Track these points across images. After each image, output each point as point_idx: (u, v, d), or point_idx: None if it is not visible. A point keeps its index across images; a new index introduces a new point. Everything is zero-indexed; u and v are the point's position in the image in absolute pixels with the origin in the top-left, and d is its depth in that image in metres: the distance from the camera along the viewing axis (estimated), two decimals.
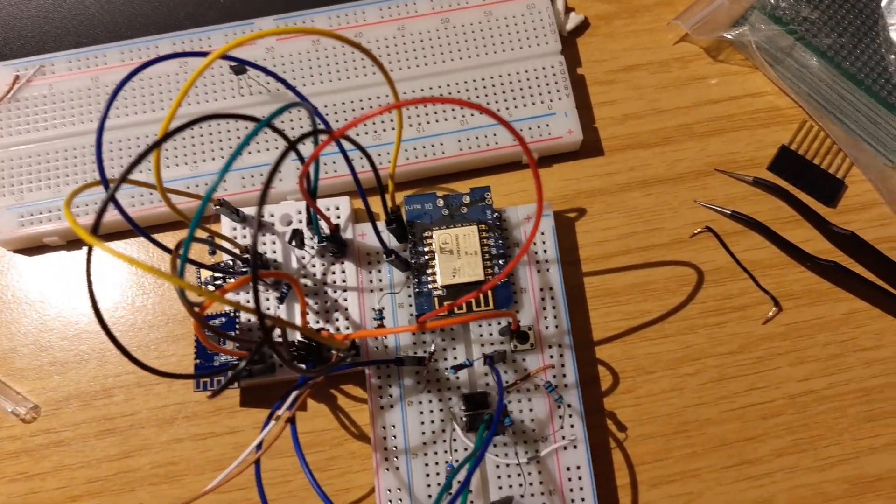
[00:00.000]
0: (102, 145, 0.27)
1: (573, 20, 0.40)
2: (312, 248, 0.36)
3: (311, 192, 0.31)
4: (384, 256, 0.34)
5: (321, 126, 0.30)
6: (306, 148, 0.36)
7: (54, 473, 0.35)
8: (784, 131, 0.39)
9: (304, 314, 0.31)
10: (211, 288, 0.34)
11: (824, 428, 0.35)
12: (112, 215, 0.33)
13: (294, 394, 0.30)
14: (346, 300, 0.35)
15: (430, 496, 0.33)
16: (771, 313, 0.37)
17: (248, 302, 0.34)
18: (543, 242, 0.36)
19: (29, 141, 0.37)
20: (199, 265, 0.34)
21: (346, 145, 0.28)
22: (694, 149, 0.39)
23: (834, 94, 0.37)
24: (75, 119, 0.37)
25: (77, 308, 0.37)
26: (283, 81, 0.30)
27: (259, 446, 0.30)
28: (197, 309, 0.25)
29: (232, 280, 0.35)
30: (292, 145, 0.24)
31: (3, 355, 0.36)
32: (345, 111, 0.37)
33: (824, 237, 0.37)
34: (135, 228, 0.29)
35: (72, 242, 0.38)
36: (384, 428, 0.34)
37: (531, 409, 0.34)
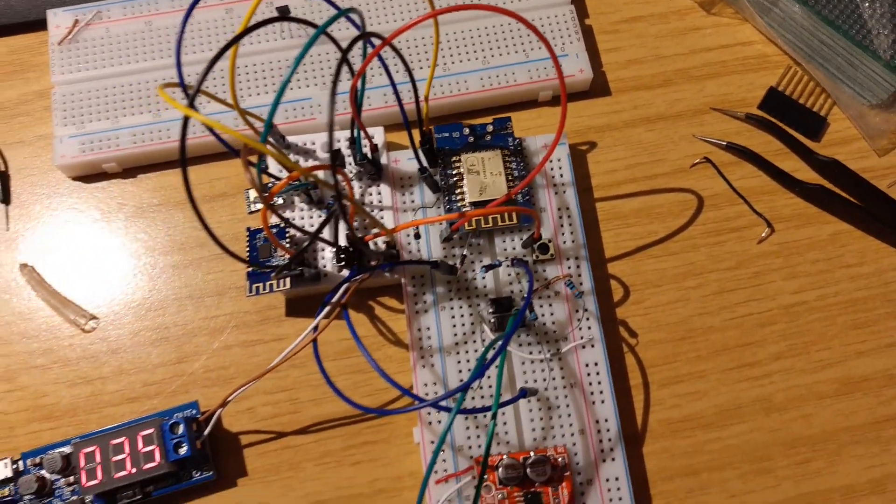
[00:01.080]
0: (180, 56, 0.29)
1: None
2: (351, 172, 0.38)
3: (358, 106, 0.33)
4: (419, 174, 0.36)
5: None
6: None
7: (113, 378, 0.36)
8: (771, 75, 0.41)
9: (351, 218, 0.32)
10: (260, 206, 0.36)
11: (816, 335, 0.37)
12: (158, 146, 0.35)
13: (345, 286, 0.32)
14: (382, 218, 0.37)
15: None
16: (764, 234, 0.39)
17: (301, 222, 0.36)
18: (560, 168, 0.38)
19: (89, 78, 0.38)
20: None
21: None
22: (691, 90, 0.41)
23: (815, 41, 0.40)
24: (131, 58, 0.38)
25: (131, 230, 0.38)
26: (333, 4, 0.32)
27: (315, 328, 0.31)
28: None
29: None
30: (345, 54, 0.26)
31: (65, 271, 0.37)
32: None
33: (810, 167, 0.39)
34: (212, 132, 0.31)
35: (127, 170, 0.38)
36: (419, 330, 0.35)
37: (552, 313, 0.36)
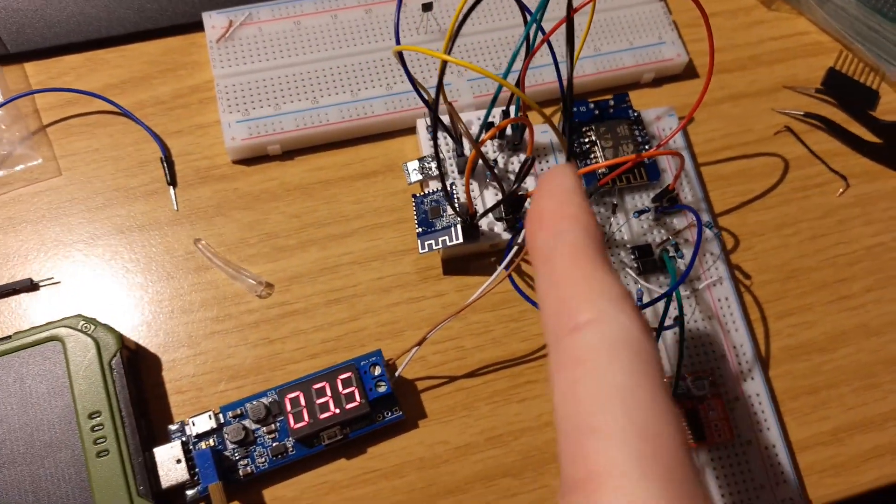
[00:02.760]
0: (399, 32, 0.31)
1: None
2: (495, 143, 0.41)
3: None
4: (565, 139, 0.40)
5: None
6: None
7: (292, 337, 0.38)
8: (827, 58, 0.46)
9: (524, 177, 0.35)
10: (419, 177, 0.39)
11: None
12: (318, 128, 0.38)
13: (523, 231, 0.35)
14: (525, 183, 0.40)
15: None
16: (842, 189, 0.44)
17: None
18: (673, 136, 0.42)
19: (247, 71, 0.40)
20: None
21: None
22: (764, 72, 0.46)
23: (865, 28, 0.46)
24: (284, 53, 0.41)
25: (293, 206, 0.40)
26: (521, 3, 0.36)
27: (507, 266, 0.34)
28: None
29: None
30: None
31: (235, 244, 0.39)
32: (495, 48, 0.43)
33: (871, 131, 0.45)
34: (411, 81, 0.33)
35: (287, 153, 0.41)
36: None
37: (681, 257, 0.40)
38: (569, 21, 0.28)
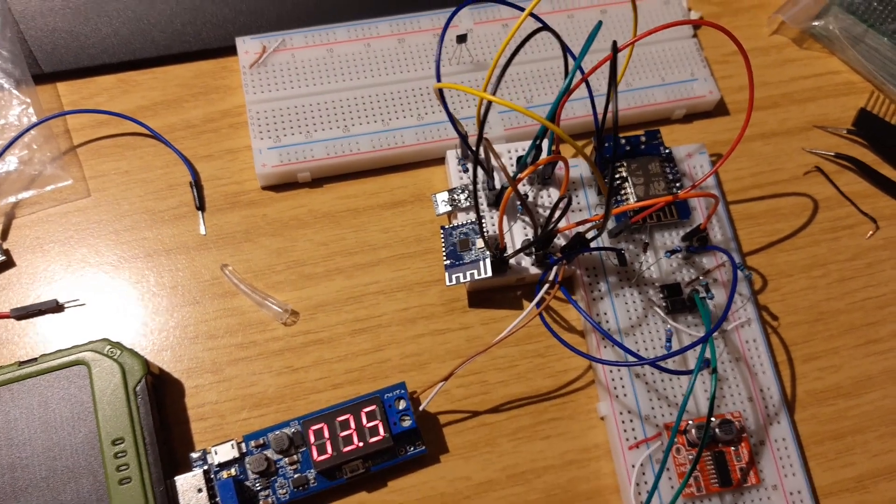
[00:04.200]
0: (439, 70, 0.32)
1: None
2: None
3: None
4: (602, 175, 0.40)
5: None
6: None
7: (316, 367, 0.38)
8: (859, 99, 0.46)
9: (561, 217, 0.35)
10: (448, 208, 0.39)
11: None
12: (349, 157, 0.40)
13: (556, 267, 0.36)
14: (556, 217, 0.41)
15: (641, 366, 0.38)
16: (871, 231, 0.44)
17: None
18: (703, 174, 0.42)
19: (280, 97, 0.41)
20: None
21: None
22: (795, 111, 0.46)
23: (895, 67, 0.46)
24: (317, 81, 0.41)
25: (321, 234, 0.40)
26: (564, 45, 0.36)
27: (539, 304, 0.34)
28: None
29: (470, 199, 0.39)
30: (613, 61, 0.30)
31: (262, 271, 0.39)
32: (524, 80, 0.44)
33: None
34: (447, 113, 0.33)
35: (316, 180, 0.41)
36: (597, 315, 0.39)
37: (712, 298, 0.40)
38: (612, 66, 0.29)
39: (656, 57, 0.44)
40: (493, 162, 0.33)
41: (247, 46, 0.42)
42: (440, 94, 0.32)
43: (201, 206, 0.40)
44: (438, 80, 0.31)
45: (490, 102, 0.28)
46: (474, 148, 0.30)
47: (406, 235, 0.41)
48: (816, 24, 0.46)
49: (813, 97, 0.46)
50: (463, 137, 0.33)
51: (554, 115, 0.34)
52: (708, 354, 0.34)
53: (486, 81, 0.30)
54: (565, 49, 0.33)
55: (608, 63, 0.29)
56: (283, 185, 0.41)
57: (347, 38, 0.43)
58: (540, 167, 0.40)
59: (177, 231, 0.40)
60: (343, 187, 0.41)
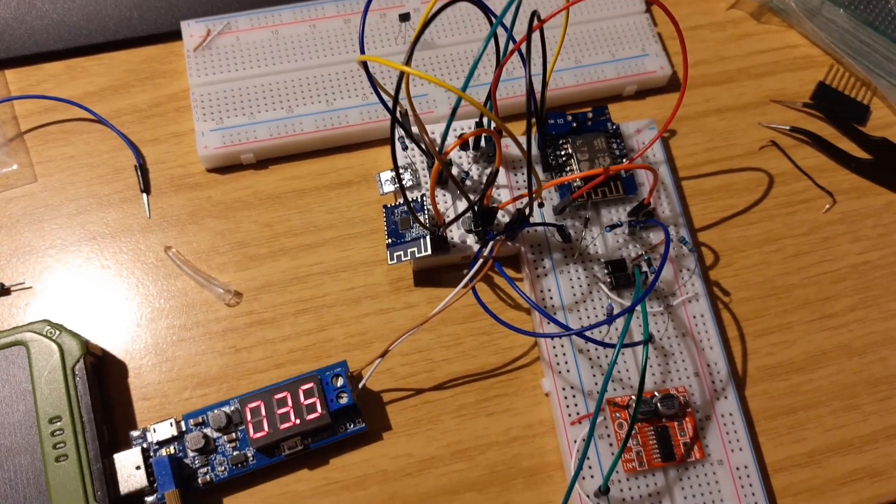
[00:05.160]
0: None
1: None
2: (470, 156, 0.41)
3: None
4: (538, 149, 0.40)
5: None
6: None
7: (259, 346, 0.39)
8: (818, 72, 0.47)
9: (492, 185, 0.36)
10: (391, 188, 0.40)
11: (882, 288, 0.41)
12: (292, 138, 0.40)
13: (491, 242, 0.36)
14: (499, 195, 0.41)
15: (585, 343, 0.38)
16: (828, 205, 0.44)
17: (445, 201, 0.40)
18: (653, 150, 0.42)
19: (224, 80, 0.42)
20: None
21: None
22: (752, 86, 0.46)
23: (856, 41, 0.46)
24: (261, 62, 0.42)
25: (266, 215, 0.41)
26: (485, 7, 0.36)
27: (472, 278, 0.35)
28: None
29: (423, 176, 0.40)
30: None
31: (206, 253, 0.40)
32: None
33: (860, 147, 0.45)
34: (375, 92, 0.34)
35: (262, 161, 0.42)
36: (542, 291, 0.39)
37: (654, 272, 0.40)
38: (527, 37, 0.29)
39: (607, 33, 0.45)
40: (424, 139, 0.33)
41: (192, 30, 0.43)
42: (365, 67, 0.32)
43: (146, 190, 0.41)
44: (362, 52, 0.32)
45: (406, 75, 0.29)
46: (391, 121, 0.31)
47: (352, 216, 0.41)
48: None
49: (770, 71, 0.46)
50: (392, 114, 0.33)
51: (465, 84, 0.34)
52: (639, 327, 0.34)
53: (406, 55, 0.31)
54: (485, 9, 0.34)
55: (556, 38, 0.30)
56: (228, 167, 0.42)
57: (293, 20, 0.43)
58: (483, 146, 0.40)
59: (122, 214, 0.41)
60: (289, 168, 0.42)
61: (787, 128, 0.44)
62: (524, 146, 0.32)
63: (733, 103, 0.45)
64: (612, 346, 0.33)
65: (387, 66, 0.28)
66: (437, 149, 0.32)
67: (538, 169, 0.41)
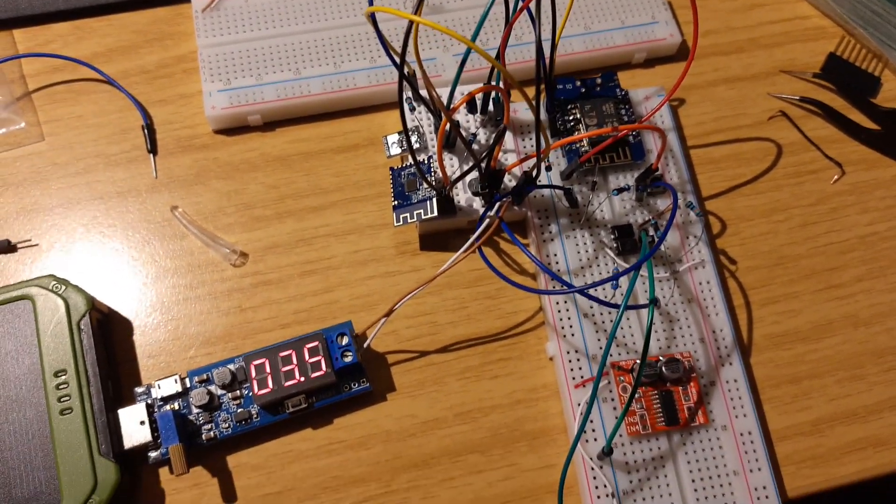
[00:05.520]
0: None
1: None
2: (478, 119, 0.41)
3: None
4: (546, 112, 0.40)
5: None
6: None
7: (265, 307, 0.38)
8: (829, 44, 0.46)
9: (500, 145, 0.35)
10: (398, 150, 0.40)
11: (890, 260, 0.41)
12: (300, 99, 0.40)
13: (498, 203, 0.36)
14: (507, 160, 0.41)
15: (591, 306, 0.38)
16: (837, 176, 0.43)
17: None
18: (661, 117, 0.42)
19: (232, 41, 0.41)
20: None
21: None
22: (762, 56, 0.46)
23: (868, 11, 0.45)
24: (269, 24, 0.42)
25: (272, 177, 0.41)
26: None
27: (478, 238, 0.35)
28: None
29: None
30: None
31: (212, 213, 0.40)
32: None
33: (870, 118, 0.44)
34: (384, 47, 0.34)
35: (267, 124, 0.42)
36: (548, 256, 0.39)
37: (667, 240, 0.39)
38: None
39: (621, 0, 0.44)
40: (433, 95, 0.33)
41: None
42: (373, 19, 0.32)
43: (153, 150, 0.41)
44: (370, 3, 0.31)
45: (416, 26, 0.29)
46: (399, 76, 0.30)
47: (358, 179, 0.41)
48: None
49: (780, 42, 0.46)
50: (399, 69, 0.33)
51: (475, 36, 0.34)
52: (645, 291, 0.34)
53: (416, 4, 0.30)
54: None
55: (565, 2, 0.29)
56: (235, 128, 0.42)
57: None
58: (491, 109, 0.40)
59: (129, 174, 0.40)
60: (296, 131, 0.42)
61: (797, 98, 0.44)
62: (533, 104, 0.31)
63: (743, 73, 0.45)
64: (616, 306, 0.32)
65: (397, 15, 0.28)
66: (444, 107, 0.32)
67: (549, 135, 0.41)
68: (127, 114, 0.42)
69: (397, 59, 0.32)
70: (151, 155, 0.41)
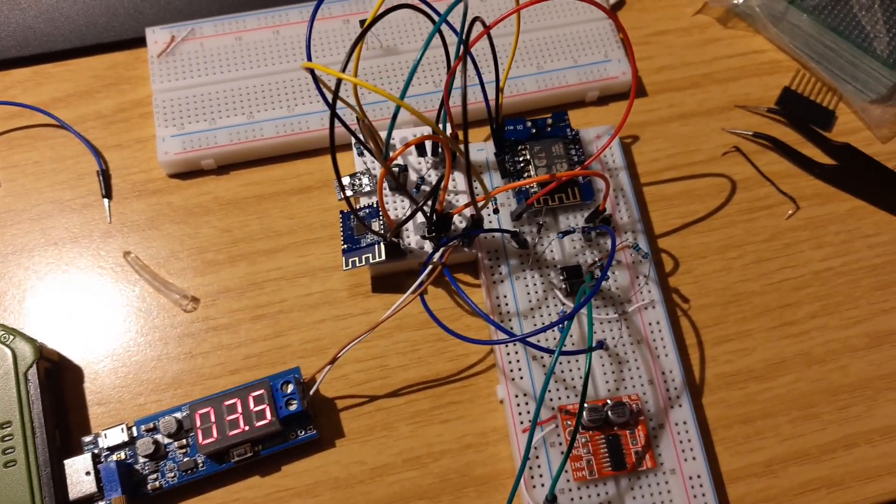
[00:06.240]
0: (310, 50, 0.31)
1: None
2: (429, 162, 0.41)
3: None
4: (495, 156, 0.39)
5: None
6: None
7: (215, 352, 0.38)
8: (784, 77, 0.45)
9: (444, 189, 0.35)
10: (349, 193, 0.39)
11: (844, 296, 0.40)
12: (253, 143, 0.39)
13: (441, 249, 0.35)
14: (458, 201, 0.40)
15: (537, 341, 0.37)
16: (791, 211, 0.42)
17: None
18: (612, 155, 0.41)
19: (186, 86, 0.41)
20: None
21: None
22: (717, 91, 0.45)
23: (820, 45, 0.44)
24: (224, 69, 0.41)
25: (226, 220, 0.40)
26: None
27: (419, 286, 0.34)
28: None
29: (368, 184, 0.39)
30: (465, 39, 0.30)
31: (166, 258, 0.39)
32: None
33: (825, 153, 0.43)
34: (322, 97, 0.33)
35: (221, 167, 0.41)
36: (497, 298, 0.38)
37: (616, 280, 0.39)
38: (465, 45, 0.28)
39: (569, 38, 0.43)
40: (370, 145, 0.32)
41: (156, 36, 0.42)
42: (312, 74, 0.31)
43: (108, 195, 0.40)
44: (308, 59, 0.31)
45: (353, 83, 0.28)
46: (330, 128, 0.30)
47: (311, 221, 0.40)
48: (739, 1, 0.45)
49: (735, 77, 0.45)
50: (344, 124, 0.32)
51: (401, 89, 0.33)
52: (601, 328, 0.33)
53: (344, 63, 0.30)
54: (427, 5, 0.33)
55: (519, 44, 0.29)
56: (189, 172, 0.41)
57: (257, 26, 0.43)
58: (441, 151, 0.39)
59: (83, 220, 0.40)
60: (250, 174, 0.41)
61: (751, 133, 0.43)
62: (492, 150, 0.31)
63: (697, 108, 0.44)
64: (552, 351, 0.32)
65: (326, 72, 0.27)
66: (381, 158, 0.31)
67: (496, 175, 0.40)
68: (83, 159, 0.41)
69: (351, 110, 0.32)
70: (106, 200, 0.40)
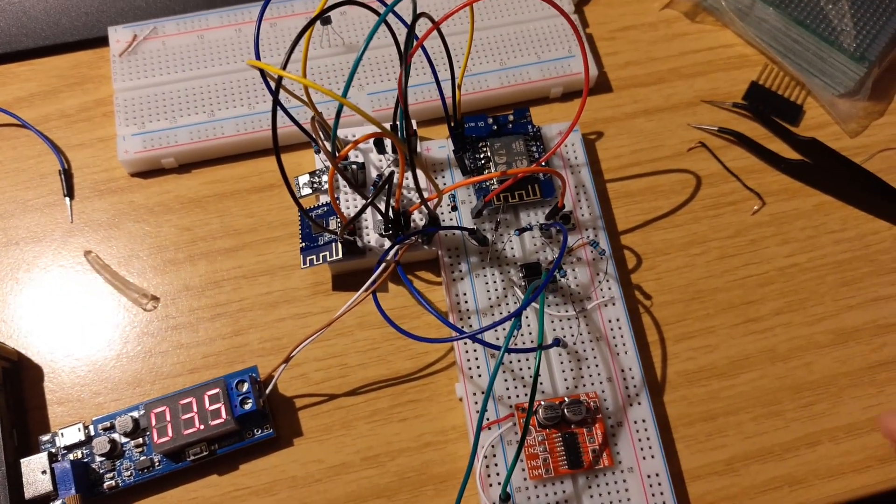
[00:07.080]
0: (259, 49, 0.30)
1: None
2: (389, 159, 0.40)
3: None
4: (453, 153, 0.39)
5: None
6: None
7: (173, 351, 0.37)
8: (752, 72, 0.44)
9: (399, 190, 0.34)
10: (308, 191, 0.38)
11: (809, 292, 0.39)
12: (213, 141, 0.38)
13: (396, 247, 0.34)
14: (417, 198, 0.39)
15: (497, 339, 0.36)
16: (757, 206, 0.41)
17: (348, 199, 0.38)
18: (574, 152, 0.40)
19: (148, 84, 0.40)
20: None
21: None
22: (683, 86, 0.44)
23: (788, 39, 0.43)
24: (185, 67, 0.41)
25: (187, 219, 0.39)
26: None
27: (371, 284, 0.33)
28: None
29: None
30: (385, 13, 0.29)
31: (126, 257, 0.39)
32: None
33: (791, 147, 0.42)
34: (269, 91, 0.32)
35: (182, 166, 0.40)
36: (457, 295, 0.38)
37: (576, 277, 0.38)
38: (407, 40, 0.27)
39: (533, 34, 0.42)
40: (319, 143, 0.32)
41: (118, 35, 0.41)
42: (261, 73, 0.30)
43: (69, 194, 0.40)
44: (257, 57, 0.30)
45: (281, 78, 0.27)
46: (272, 126, 0.29)
47: (272, 219, 0.40)
48: None
49: (703, 72, 0.44)
50: (296, 122, 0.32)
51: (346, 89, 0.32)
52: (554, 331, 0.32)
53: (284, 61, 0.29)
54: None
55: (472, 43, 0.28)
56: (151, 171, 0.40)
57: (220, 24, 0.42)
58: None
59: (45, 219, 0.39)
60: (211, 172, 0.41)
61: (716, 128, 0.42)
62: (448, 148, 0.30)
63: (663, 104, 0.43)
64: (498, 348, 0.31)
65: (269, 70, 0.26)
66: (331, 155, 0.31)
67: (458, 172, 0.39)
68: (45, 158, 0.41)
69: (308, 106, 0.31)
70: (68, 199, 0.40)
